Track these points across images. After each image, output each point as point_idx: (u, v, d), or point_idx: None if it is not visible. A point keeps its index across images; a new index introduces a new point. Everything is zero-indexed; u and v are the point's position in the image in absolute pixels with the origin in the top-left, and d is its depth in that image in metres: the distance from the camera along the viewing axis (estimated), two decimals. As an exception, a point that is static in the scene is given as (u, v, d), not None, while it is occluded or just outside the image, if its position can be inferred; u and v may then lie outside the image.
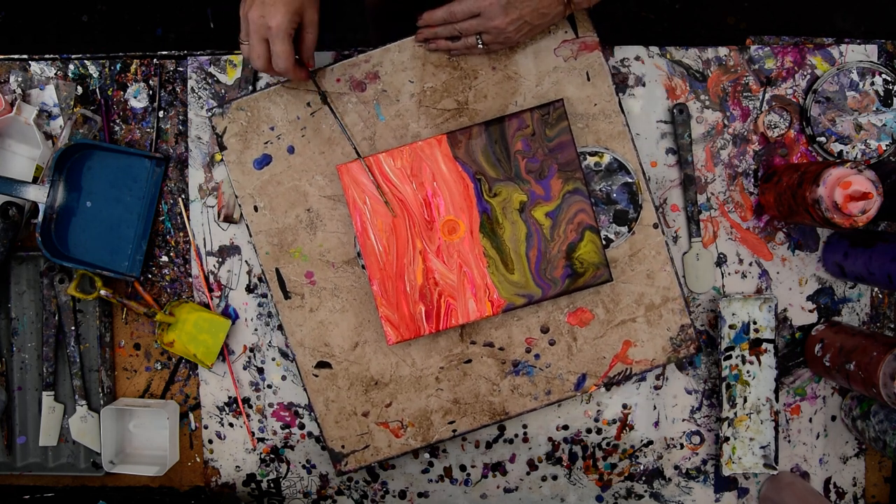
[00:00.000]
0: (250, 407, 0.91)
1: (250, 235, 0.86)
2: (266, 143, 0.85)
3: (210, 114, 0.85)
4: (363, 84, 0.84)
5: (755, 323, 0.85)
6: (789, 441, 0.90)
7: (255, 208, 0.85)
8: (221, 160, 0.88)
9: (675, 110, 0.86)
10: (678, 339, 0.86)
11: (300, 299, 0.86)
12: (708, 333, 0.89)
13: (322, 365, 0.87)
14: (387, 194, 0.81)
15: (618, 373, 0.86)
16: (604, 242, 0.84)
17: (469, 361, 0.86)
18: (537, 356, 0.86)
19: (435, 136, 0.82)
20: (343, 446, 0.87)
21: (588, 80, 0.84)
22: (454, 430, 0.87)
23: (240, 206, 0.86)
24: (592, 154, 0.84)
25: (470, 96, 0.84)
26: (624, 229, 0.85)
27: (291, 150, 0.85)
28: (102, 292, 0.85)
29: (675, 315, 0.86)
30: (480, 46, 0.79)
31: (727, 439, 0.86)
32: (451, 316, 0.83)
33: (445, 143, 0.81)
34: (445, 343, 0.86)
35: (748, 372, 0.86)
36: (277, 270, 0.86)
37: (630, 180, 0.84)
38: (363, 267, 0.85)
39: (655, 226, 0.85)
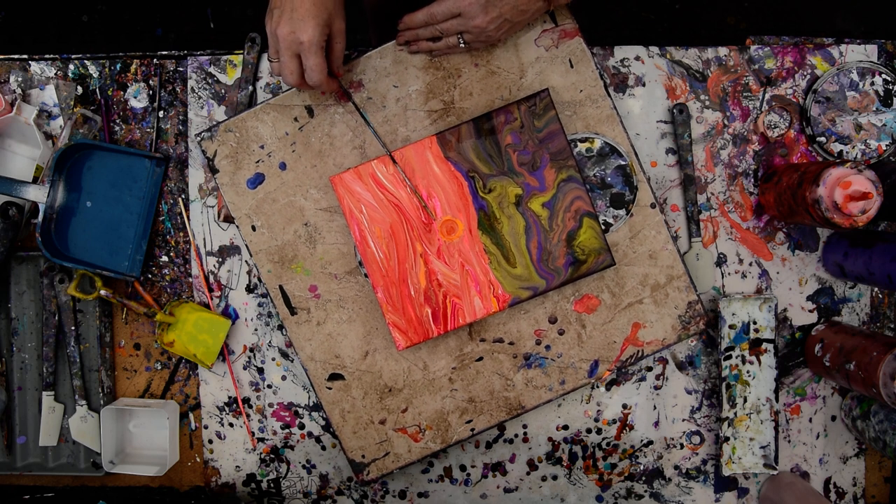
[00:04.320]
0: (250, 407, 0.91)
1: (250, 255, 0.86)
2: (257, 161, 0.85)
3: (199, 139, 0.85)
4: (348, 94, 0.84)
5: (755, 323, 0.85)
6: (789, 441, 0.90)
7: (253, 228, 0.85)
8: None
9: (675, 110, 0.86)
10: (686, 316, 0.86)
11: (306, 314, 0.86)
12: (708, 333, 0.89)
13: (335, 377, 0.87)
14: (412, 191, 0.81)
15: (630, 356, 0.86)
16: (603, 227, 0.84)
17: (480, 359, 0.86)
18: (548, 347, 0.86)
19: (425, 138, 0.82)
20: (363, 456, 0.87)
21: (571, 67, 0.84)
22: (472, 430, 0.87)
23: (237, 226, 0.86)
24: (583, 140, 0.84)
25: (455, 95, 0.84)
26: (622, 212, 0.85)
27: (283, 166, 0.85)
28: (102, 292, 0.85)
29: (682, 293, 0.85)
30: (462, 46, 0.79)
31: (727, 439, 0.86)
32: (457, 316, 0.83)
33: (436, 144, 0.81)
34: (455, 343, 0.86)
35: (748, 372, 0.86)
36: (281, 287, 0.86)
37: (623, 163, 0.84)
38: (366, 275, 0.85)
39: (653, 205, 0.85)
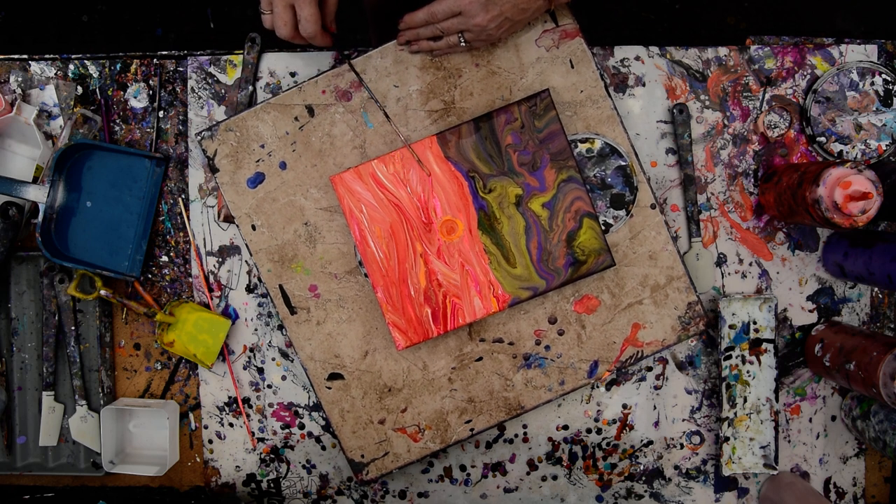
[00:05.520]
0: (250, 407, 0.91)
1: (250, 255, 0.86)
2: (258, 161, 0.85)
3: (199, 138, 0.85)
4: (349, 93, 0.84)
5: (755, 323, 0.85)
6: (789, 441, 0.90)
7: (253, 227, 0.85)
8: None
9: (675, 110, 0.86)
10: (686, 316, 0.86)
11: (306, 313, 0.86)
12: (708, 333, 0.89)
13: (334, 377, 0.87)
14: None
15: (629, 356, 0.86)
16: (603, 228, 0.84)
17: (480, 359, 0.86)
18: (548, 347, 0.86)
19: (425, 138, 0.82)
20: (363, 455, 0.87)
21: (572, 67, 0.84)
22: (472, 430, 0.87)
23: (238, 225, 0.86)
24: (583, 141, 0.84)
25: (456, 95, 0.84)
26: (622, 213, 0.85)
27: (283, 165, 0.85)
28: (102, 292, 0.85)
29: (681, 293, 0.85)
30: (463, 45, 0.79)
31: (727, 439, 0.86)
32: (457, 316, 0.83)
33: (436, 144, 0.81)
34: (455, 343, 0.86)
35: (748, 372, 0.86)
36: (281, 287, 0.86)
37: (623, 163, 0.84)
38: (366, 275, 0.85)
39: (653, 206, 0.85)
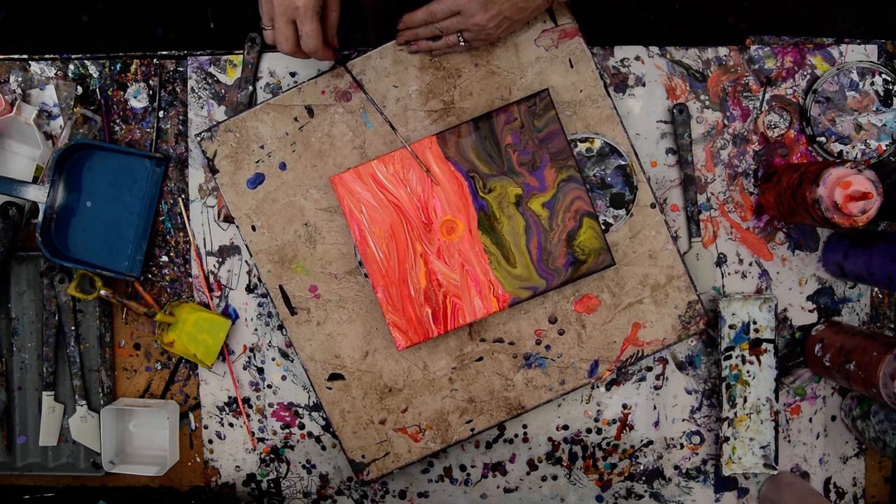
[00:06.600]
0: (250, 407, 0.91)
1: (250, 255, 0.86)
2: (257, 161, 0.85)
3: (199, 139, 0.85)
4: (348, 94, 0.84)
5: (755, 323, 0.85)
6: (789, 441, 0.90)
7: (253, 228, 0.85)
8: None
9: (675, 110, 0.86)
10: (686, 316, 0.86)
11: (306, 314, 0.86)
12: (708, 333, 0.89)
13: (335, 377, 0.87)
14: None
15: (630, 356, 0.86)
16: (603, 227, 0.84)
17: (480, 359, 0.86)
18: (548, 347, 0.86)
19: (425, 138, 0.82)
20: (363, 456, 0.87)
21: (571, 67, 0.84)
22: (472, 430, 0.87)
23: (238, 226, 0.86)
24: (583, 140, 0.84)
25: (455, 95, 0.84)
26: (622, 212, 0.85)
27: (283, 166, 0.85)
28: (102, 292, 0.85)
29: (682, 293, 0.85)
30: (462, 44, 0.79)
31: (727, 439, 0.86)
32: (457, 316, 0.83)
33: (436, 145, 0.81)
34: (455, 343, 0.86)
35: (748, 372, 0.86)
36: (281, 287, 0.86)
37: (623, 162, 0.84)
38: (366, 275, 0.85)
39: (653, 205, 0.85)
